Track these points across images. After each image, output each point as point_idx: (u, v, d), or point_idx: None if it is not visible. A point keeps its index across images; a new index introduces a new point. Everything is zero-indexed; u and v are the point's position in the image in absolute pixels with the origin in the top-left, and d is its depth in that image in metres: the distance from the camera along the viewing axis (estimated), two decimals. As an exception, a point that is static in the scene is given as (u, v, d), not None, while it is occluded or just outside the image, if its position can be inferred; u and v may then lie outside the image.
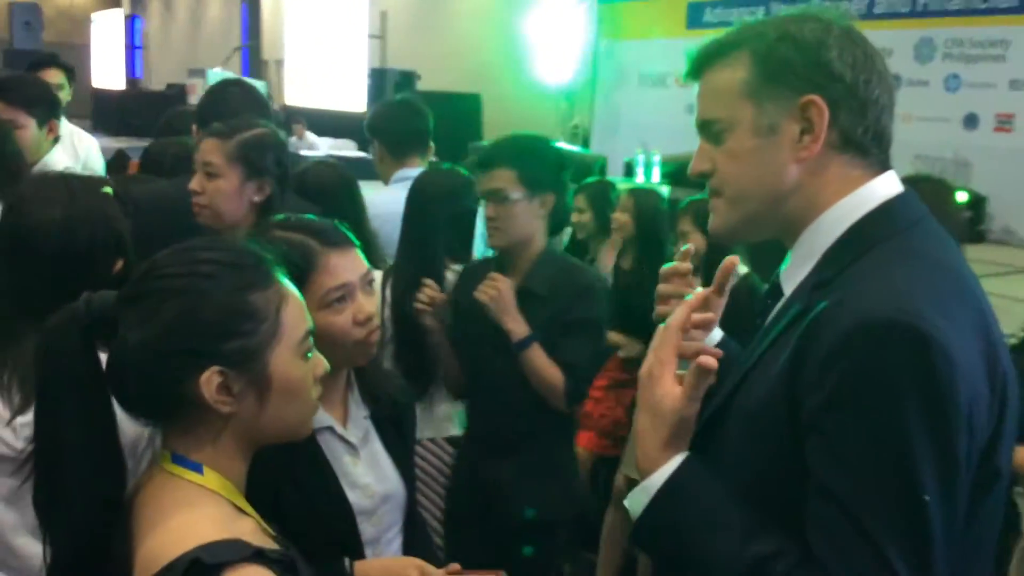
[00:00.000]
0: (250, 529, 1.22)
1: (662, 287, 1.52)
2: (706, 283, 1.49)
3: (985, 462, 1.15)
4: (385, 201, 3.21)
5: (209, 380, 1.19)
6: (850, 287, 1.18)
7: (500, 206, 2.51)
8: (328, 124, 10.96)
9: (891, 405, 1.09)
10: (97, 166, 4.16)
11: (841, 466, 1.11)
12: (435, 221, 2.75)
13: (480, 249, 2.84)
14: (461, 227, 2.61)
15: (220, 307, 1.20)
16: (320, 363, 1.31)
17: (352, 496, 1.69)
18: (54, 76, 4.37)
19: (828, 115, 1.24)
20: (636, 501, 1.24)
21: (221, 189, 2.40)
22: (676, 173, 6.02)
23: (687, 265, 1.51)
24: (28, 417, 1.62)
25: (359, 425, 1.76)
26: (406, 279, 2.68)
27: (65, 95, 4.42)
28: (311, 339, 1.30)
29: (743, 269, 3.48)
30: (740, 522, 1.17)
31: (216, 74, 8.67)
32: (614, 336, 3.99)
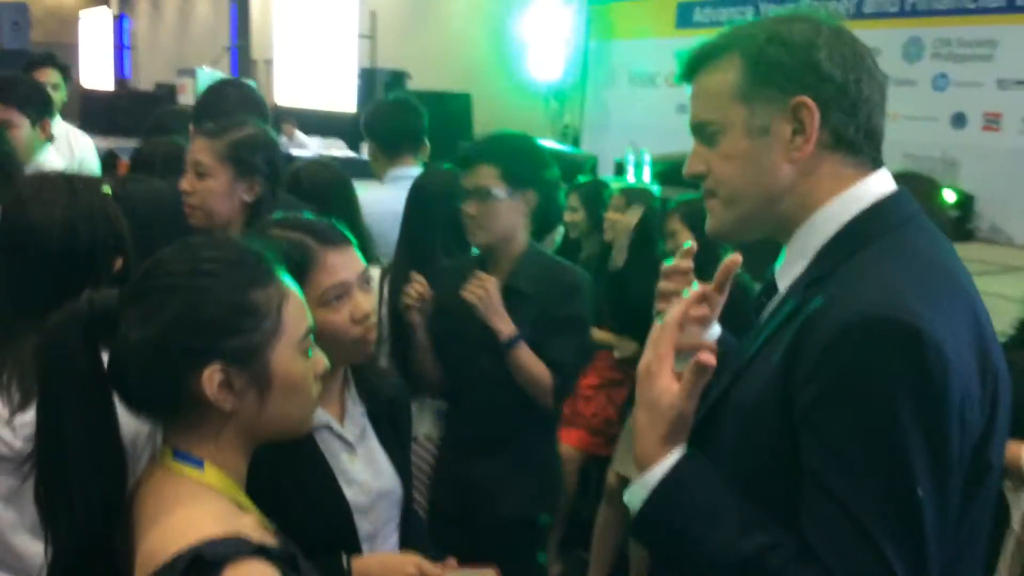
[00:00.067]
0: (251, 525, 1.22)
1: (663, 284, 1.54)
2: (697, 280, 1.50)
3: (977, 456, 1.17)
4: (378, 200, 3.22)
5: (211, 377, 1.19)
6: (844, 284, 1.20)
7: (483, 204, 2.50)
8: (318, 124, 10.94)
9: (884, 400, 1.10)
10: (93, 166, 4.15)
11: (835, 461, 1.13)
12: (434, 220, 2.76)
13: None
14: (460, 226, 2.61)
15: (222, 304, 1.21)
16: (320, 361, 1.32)
17: (349, 493, 1.70)
18: (50, 76, 4.36)
19: (819, 115, 1.25)
20: (635, 496, 1.25)
21: (211, 189, 2.39)
22: (667, 172, 6.04)
23: (688, 263, 1.52)
24: (27, 416, 1.63)
25: (356, 422, 1.77)
26: (404, 277, 2.68)
27: (61, 95, 4.41)
28: (312, 337, 1.31)
29: (733, 265, 3.50)
30: (737, 516, 1.19)
31: (206, 74, 8.66)
32: (607, 336, 4.02)
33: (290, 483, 1.60)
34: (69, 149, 4.13)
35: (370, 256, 2.64)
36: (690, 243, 1.57)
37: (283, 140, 9.24)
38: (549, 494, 2.73)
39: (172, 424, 1.25)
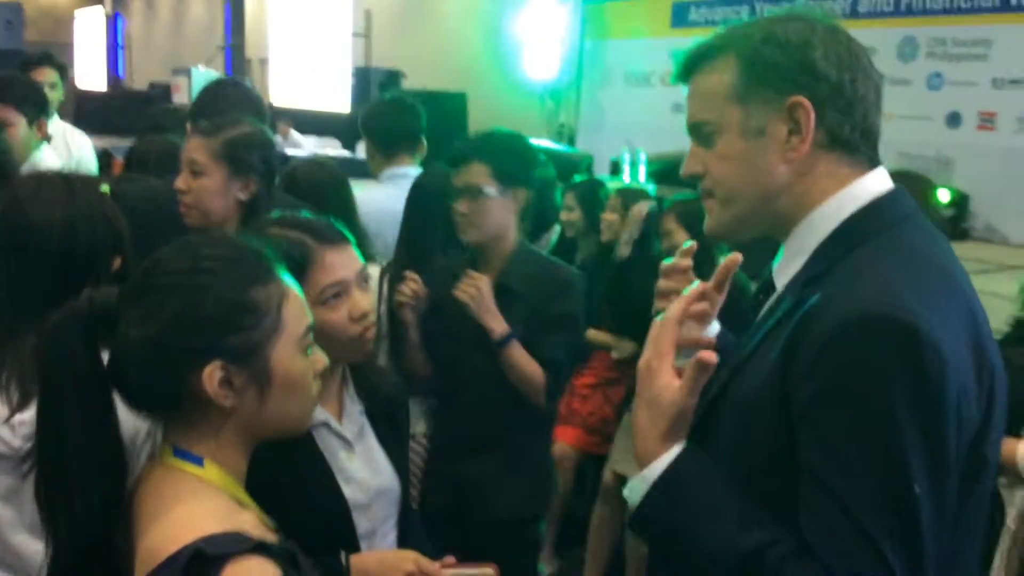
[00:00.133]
0: (251, 522, 1.23)
1: (662, 283, 1.54)
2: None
3: (974, 453, 1.18)
4: (374, 199, 3.22)
5: (211, 374, 1.20)
6: (841, 282, 1.20)
7: (474, 201, 2.50)
8: (313, 123, 10.92)
9: (881, 398, 1.11)
10: (90, 165, 4.14)
11: (832, 458, 1.13)
12: (434, 219, 2.75)
13: None
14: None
15: (222, 302, 1.21)
16: (320, 358, 1.33)
17: (347, 490, 1.71)
18: (47, 75, 4.34)
19: (815, 115, 1.26)
20: (634, 491, 1.26)
21: (206, 187, 2.39)
22: (662, 171, 6.05)
23: (687, 261, 1.53)
24: (26, 415, 1.63)
25: (354, 420, 1.77)
26: (403, 276, 2.68)
27: (58, 94, 4.39)
28: (311, 335, 1.31)
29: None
30: (736, 512, 1.19)
31: (201, 73, 8.65)
32: (604, 336, 4.02)
33: (289, 481, 1.60)
34: (66, 148, 4.12)
35: (367, 255, 2.64)
36: (690, 242, 1.57)
37: (278, 140, 9.21)
38: (541, 493, 2.74)
39: (172, 422, 1.26)
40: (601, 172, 6.95)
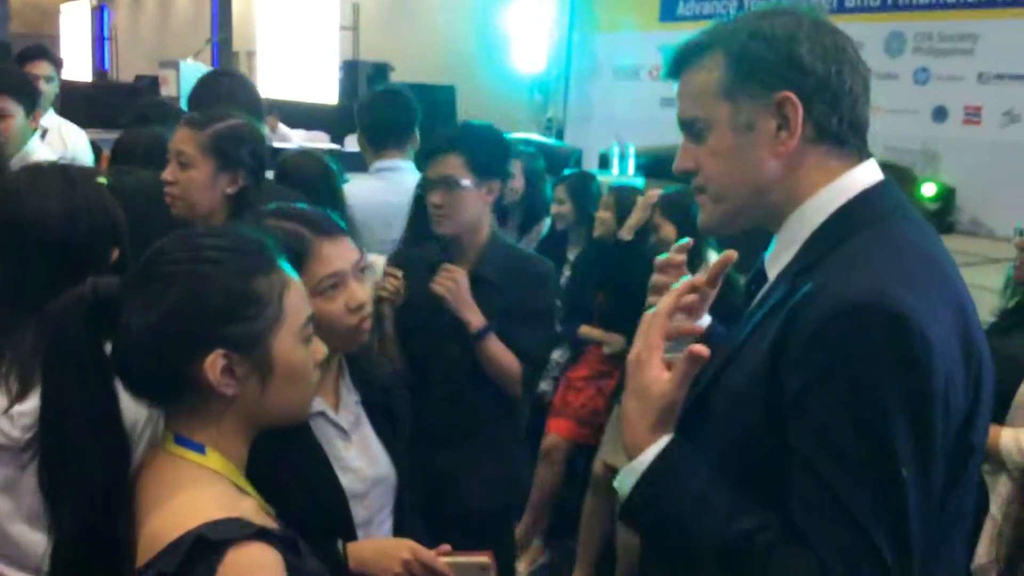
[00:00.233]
0: (252, 509, 1.24)
1: (656, 278, 1.56)
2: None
3: (961, 439, 1.20)
4: (362, 191, 3.23)
5: (213, 363, 1.21)
6: (832, 272, 1.22)
7: (450, 193, 2.50)
8: (301, 116, 10.89)
9: (870, 384, 1.13)
10: (85, 159, 4.12)
11: (822, 443, 1.15)
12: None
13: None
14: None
15: (224, 291, 1.23)
16: (320, 348, 1.35)
17: (344, 479, 1.72)
18: (44, 68, 4.31)
19: (802, 110, 1.27)
20: (624, 481, 1.27)
21: (193, 179, 2.37)
22: (651, 165, 6.07)
23: (681, 256, 1.55)
24: (25, 406, 1.64)
25: (350, 410, 1.79)
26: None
27: (54, 87, 4.37)
28: (312, 325, 1.32)
29: (716, 256, 3.53)
30: (725, 500, 1.21)
31: (189, 66, 8.61)
32: (595, 332, 4.05)
33: (286, 470, 1.60)
34: (61, 142, 4.11)
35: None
36: (685, 239, 1.59)
37: (266, 133, 9.16)
38: (516, 484, 2.75)
39: (174, 410, 1.27)
40: (590, 166, 6.96)
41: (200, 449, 1.24)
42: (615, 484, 1.30)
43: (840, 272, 1.21)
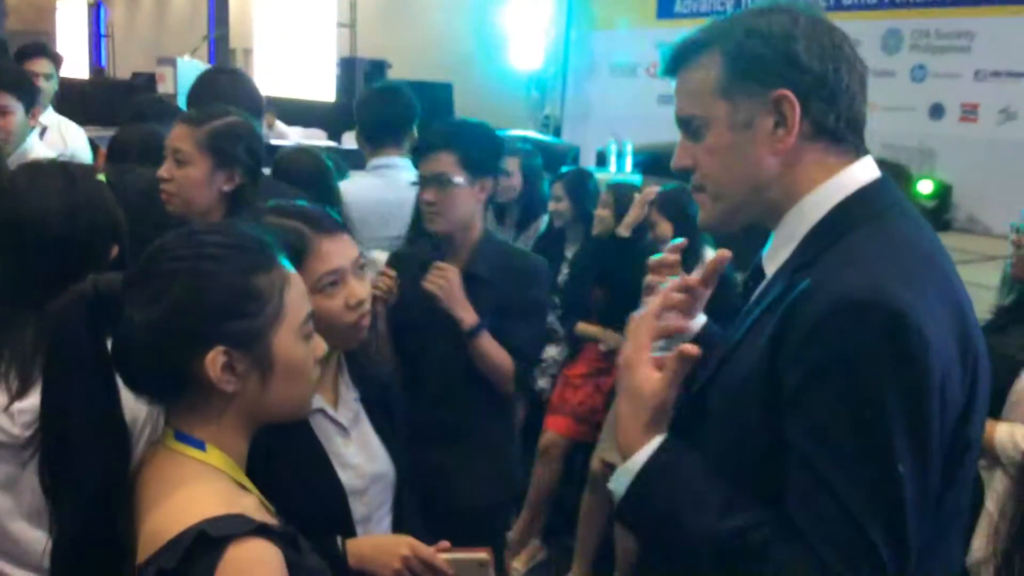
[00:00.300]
0: (252, 505, 1.25)
1: (650, 278, 1.57)
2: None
3: (957, 435, 1.21)
4: (357, 188, 3.22)
5: (214, 360, 1.21)
6: (829, 269, 1.23)
7: (442, 191, 2.49)
8: (298, 113, 10.88)
9: (868, 380, 1.14)
10: (84, 156, 4.11)
11: (819, 439, 1.16)
12: None
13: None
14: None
15: (225, 288, 1.23)
16: (320, 345, 1.35)
17: (343, 476, 1.73)
18: (43, 65, 4.29)
19: (799, 107, 1.28)
20: (619, 482, 1.28)
21: (190, 177, 2.36)
22: (648, 162, 6.07)
23: (674, 256, 1.56)
24: (25, 403, 1.64)
25: (349, 407, 1.79)
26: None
27: (53, 84, 4.36)
28: (312, 322, 1.33)
29: (712, 254, 3.54)
30: (719, 498, 1.22)
31: (187, 63, 8.59)
32: (593, 328, 4.05)
33: (285, 467, 1.60)
34: (61, 140, 4.11)
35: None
36: (680, 239, 1.60)
37: (264, 130, 9.14)
38: (508, 481, 2.75)
39: (174, 406, 1.27)
40: (587, 163, 6.96)
41: (200, 445, 1.25)
42: (609, 485, 1.31)
43: (838, 269, 1.22)
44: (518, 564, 4.04)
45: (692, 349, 1.24)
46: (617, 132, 6.63)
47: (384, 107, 3.40)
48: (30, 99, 3.47)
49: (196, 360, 1.21)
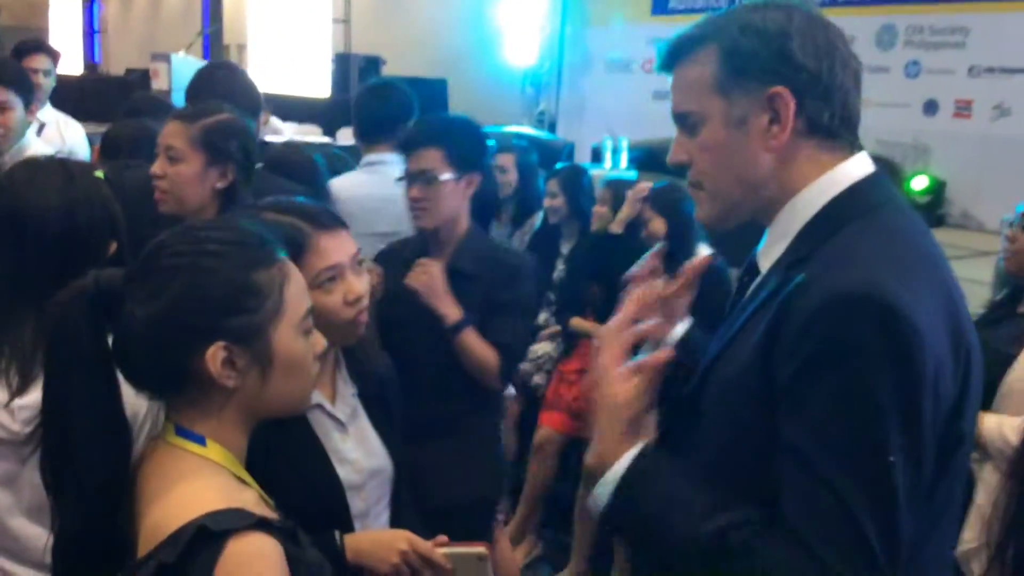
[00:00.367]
0: (252, 500, 1.26)
1: (630, 288, 1.58)
2: (668, 265, 1.55)
3: (950, 428, 1.22)
4: (348, 185, 3.22)
5: (214, 355, 1.22)
6: (824, 264, 1.24)
7: (428, 187, 2.49)
8: (292, 109, 10.86)
9: (861, 373, 1.15)
10: (83, 153, 4.10)
11: (812, 432, 1.17)
12: None
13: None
14: (478, 211, 2.60)
15: (226, 284, 1.24)
16: (319, 340, 1.36)
17: (341, 471, 1.73)
18: (41, 62, 4.28)
19: (794, 105, 1.29)
20: (601, 493, 1.30)
21: (182, 174, 2.35)
22: (644, 158, 6.08)
23: (654, 263, 1.57)
24: (26, 399, 1.65)
25: (347, 402, 1.80)
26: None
27: (51, 81, 4.35)
28: (311, 317, 1.34)
29: (706, 250, 3.56)
30: (699, 500, 1.24)
31: (181, 59, 8.57)
32: (587, 324, 4.06)
33: (284, 462, 1.62)
34: (60, 137, 4.10)
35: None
36: (661, 244, 1.61)
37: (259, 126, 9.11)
38: (494, 476, 2.75)
39: (175, 401, 1.28)
40: (582, 159, 6.97)
41: (200, 440, 1.25)
42: (589, 501, 1.32)
43: (832, 264, 1.23)
44: (514, 560, 4.05)
45: (661, 356, 1.27)
46: (612, 128, 6.64)
47: (379, 104, 3.39)
48: (28, 95, 3.47)
49: (197, 355, 1.22)
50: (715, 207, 1.39)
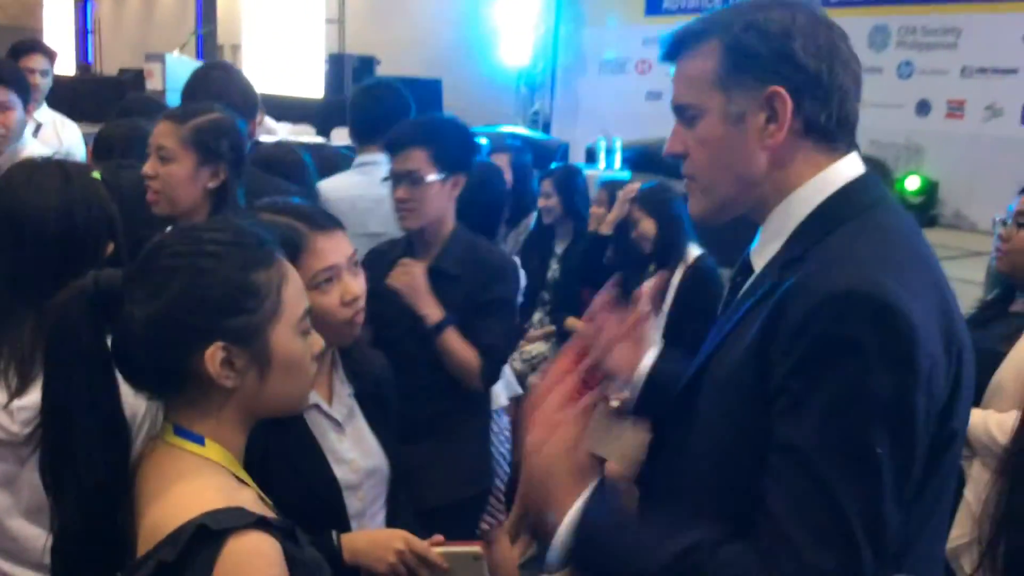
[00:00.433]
0: (251, 499, 1.26)
1: (582, 323, 1.60)
2: (659, 266, 1.56)
3: (942, 426, 1.23)
4: (338, 186, 3.22)
5: (213, 355, 1.23)
6: (819, 263, 1.25)
7: (414, 188, 2.48)
8: (286, 110, 10.84)
9: (859, 369, 1.15)
10: (79, 154, 4.10)
11: (807, 426, 1.17)
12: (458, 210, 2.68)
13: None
14: (488, 214, 2.59)
15: (225, 284, 1.24)
16: (317, 340, 1.37)
17: (338, 471, 1.74)
18: (38, 62, 4.27)
19: (792, 105, 1.29)
20: (559, 548, 1.30)
21: (174, 174, 2.34)
22: (637, 159, 6.09)
23: (605, 299, 1.59)
24: (25, 400, 1.65)
25: (344, 403, 1.81)
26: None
27: (49, 81, 4.34)
28: (309, 318, 1.34)
29: (696, 251, 3.57)
30: (650, 534, 1.26)
31: (176, 59, 8.56)
32: (582, 324, 4.06)
33: (281, 462, 1.62)
34: (56, 138, 4.09)
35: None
36: (617, 275, 1.62)
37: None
38: (480, 476, 2.75)
39: (173, 401, 1.29)
40: (576, 159, 6.98)
41: (199, 440, 1.26)
42: (550, 556, 1.32)
43: (828, 263, 1.24)
44: (510, 559, 4.05)
45: (577, 411, 1.31)
46: (606, 128, 6.65)
47: (374, 104, 3.38)
48: (26, 95, 3.47)
49: (195, 355, 1.23)
50: (708, 202, 1.39)
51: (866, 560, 1.15)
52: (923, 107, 6.33)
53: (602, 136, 6.54)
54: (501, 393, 3.35)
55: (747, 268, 1.42)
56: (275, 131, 9.80)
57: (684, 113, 1.38)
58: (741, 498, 1.23)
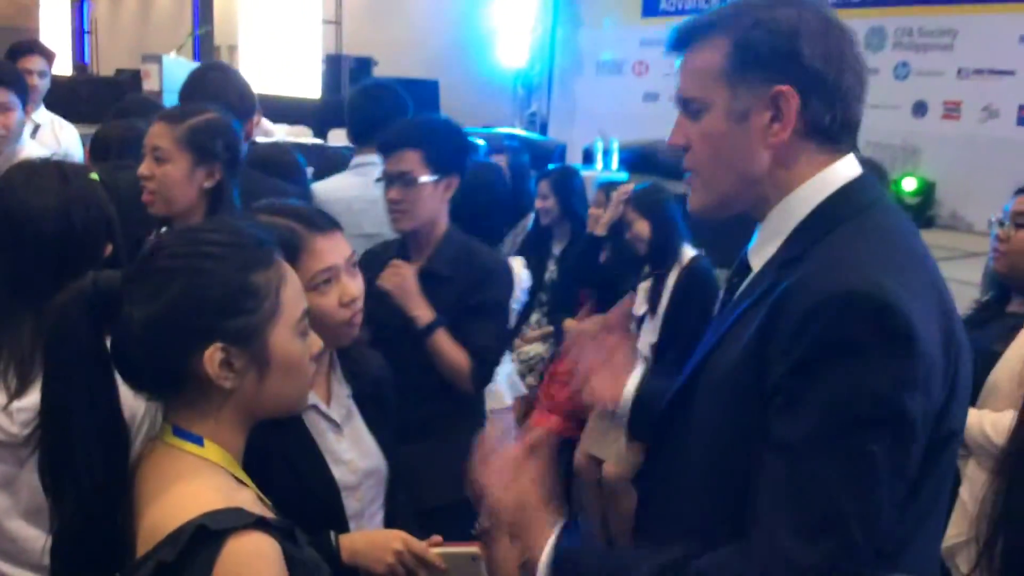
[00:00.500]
0: (250, 499, 1.26)
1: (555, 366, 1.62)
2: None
3: (938, 425, 1.23)
4: (332, 187, 3.22)
5: (212, 356, 1.23)
6: (817, 263, 1.25)
7: (407, 189, 2.47)
8: (283, 110, 10.83)
9: (855, 367, 1.16)
10: (77, 155, 4.09)
11: (800, 419, 1.18)
12: (461, 211, 2.68)
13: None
14: (490, 214, 2.58)
15: (224, 285, 1.25)
16: (316, 341, 1.37)
17: (337, 472, 1.74)
18: (36, 63, 4.26)
19: (797, 105, 1.29)
20: None
21: (170, 174, 2.33)
22: (634, 160, 6.10)
23: (579, 329, 1.61)
24: (24, 402, 1.65)
25: (342, 403, 1.81)
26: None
27: (47, 82, 4.33)
28: (307, 319, 1.35)
29: (691, 251, 3.58)
30: (629, 554, 1.32)
31: (173, 60, 8.55)
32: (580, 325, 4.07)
33: (279, 463, 1.62)
34: (54, 139, 4.09)
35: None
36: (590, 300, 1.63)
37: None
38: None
39: (173, 402, 1.29)
40: (573, 160, 6.98)
41: (198, 441, 1.26)
42: None
43: (827, 263, 1.24)
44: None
45: (536, 441, 1.38)
46: (603, 129, 6.65)
47: (371, 105, 3.37)
48: (25, 96, 3.46)
49: (194, 356, 1.23)
50: (708, 196, 1.39)
51: (860, 558, 1.15)
52: (919, 108, 6.34)
53: (599, 137, 6.54)
54: (506, 393, 3.36)
55: (744, 267, 1.42)
56: (272, 132, 9.79)
57: (688, 106, 1.37)
58: (739, 497, 1.23)
